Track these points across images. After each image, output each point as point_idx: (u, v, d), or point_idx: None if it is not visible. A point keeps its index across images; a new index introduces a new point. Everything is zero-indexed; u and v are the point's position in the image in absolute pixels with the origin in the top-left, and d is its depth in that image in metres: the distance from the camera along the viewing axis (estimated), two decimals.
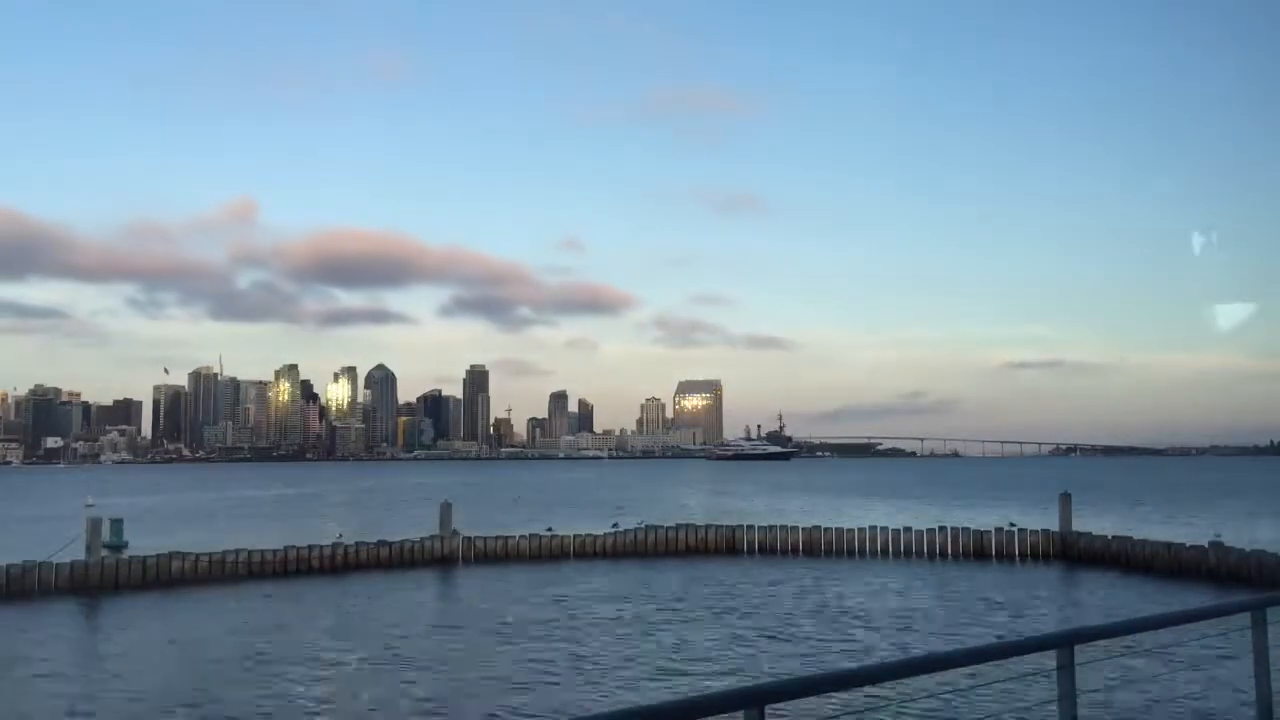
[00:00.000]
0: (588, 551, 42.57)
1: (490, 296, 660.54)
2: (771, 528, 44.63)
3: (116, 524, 35.63)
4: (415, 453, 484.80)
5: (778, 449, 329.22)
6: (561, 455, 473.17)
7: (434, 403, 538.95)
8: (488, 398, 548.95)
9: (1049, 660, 5.33)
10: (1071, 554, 39.63)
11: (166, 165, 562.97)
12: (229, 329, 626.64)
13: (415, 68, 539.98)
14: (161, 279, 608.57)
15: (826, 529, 44.08)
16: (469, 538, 41.84)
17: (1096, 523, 45.89)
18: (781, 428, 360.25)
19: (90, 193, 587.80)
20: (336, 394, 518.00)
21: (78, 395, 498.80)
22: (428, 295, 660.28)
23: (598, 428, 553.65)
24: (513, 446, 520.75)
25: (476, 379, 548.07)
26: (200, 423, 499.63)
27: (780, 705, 4.10)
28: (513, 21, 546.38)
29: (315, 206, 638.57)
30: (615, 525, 45.42)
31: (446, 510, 42.54)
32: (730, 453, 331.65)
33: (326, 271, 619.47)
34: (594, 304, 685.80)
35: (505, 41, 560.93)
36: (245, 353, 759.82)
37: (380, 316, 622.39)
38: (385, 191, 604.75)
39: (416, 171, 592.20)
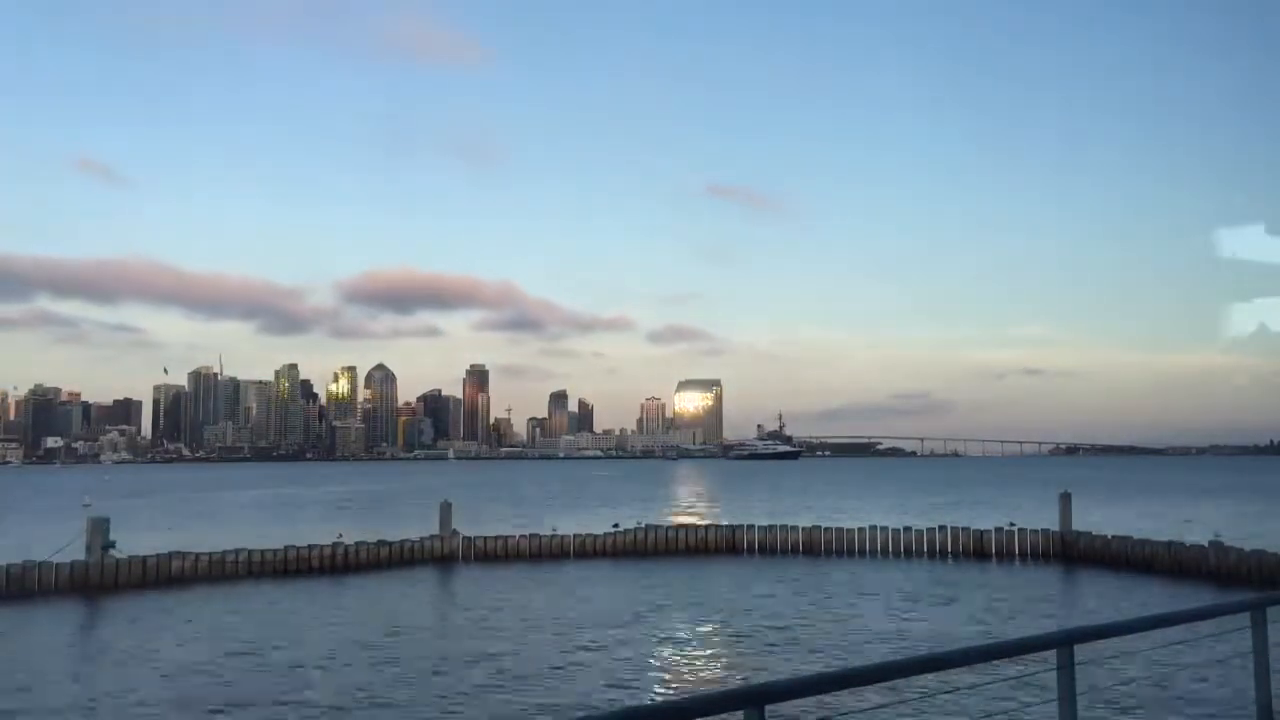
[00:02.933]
0: (588, 551, 42.55)
1: (517, 318, 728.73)
2: (771, 527, 44.62)
3: (103, 523, 35.56)
4: (415, 452, 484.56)
5: (787, 448, 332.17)
6: (561, 455, 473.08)
7: (434, 402, 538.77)
8: (488, 398, 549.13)
9: (1049, 660, 5.32)
10: (1071, 554, 39.61)
11: (293, 227, 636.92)
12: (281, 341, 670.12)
13: (493, 148, 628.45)
14: (235, 305, 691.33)
15: (826, 529, 44.06)
16: (469, 537, 41.84)
17: (1096, 521, 45.85)
18: (781, 427, 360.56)
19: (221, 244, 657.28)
20: (336, 394, 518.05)
21: (78, 395, 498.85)
22: (468, 316, 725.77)
23: (598, 427, 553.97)
24: (512, 446, 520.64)
25: (477, 379, 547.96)
26: (200, 423, 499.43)
27: (780, 705, 4.10)
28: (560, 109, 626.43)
29: (395, 249, 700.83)
30: (616, 525, 45.36)
31: (446, 510, 42.54)
32: (746, 452, 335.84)
33: (387, 299, 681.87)
34: (609, 325, 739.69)
35: (558, 126, 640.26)
36: (246, 353, 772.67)
37: (429, 332, 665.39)
38: (460, 242, 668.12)
39: (481, 226, 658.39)
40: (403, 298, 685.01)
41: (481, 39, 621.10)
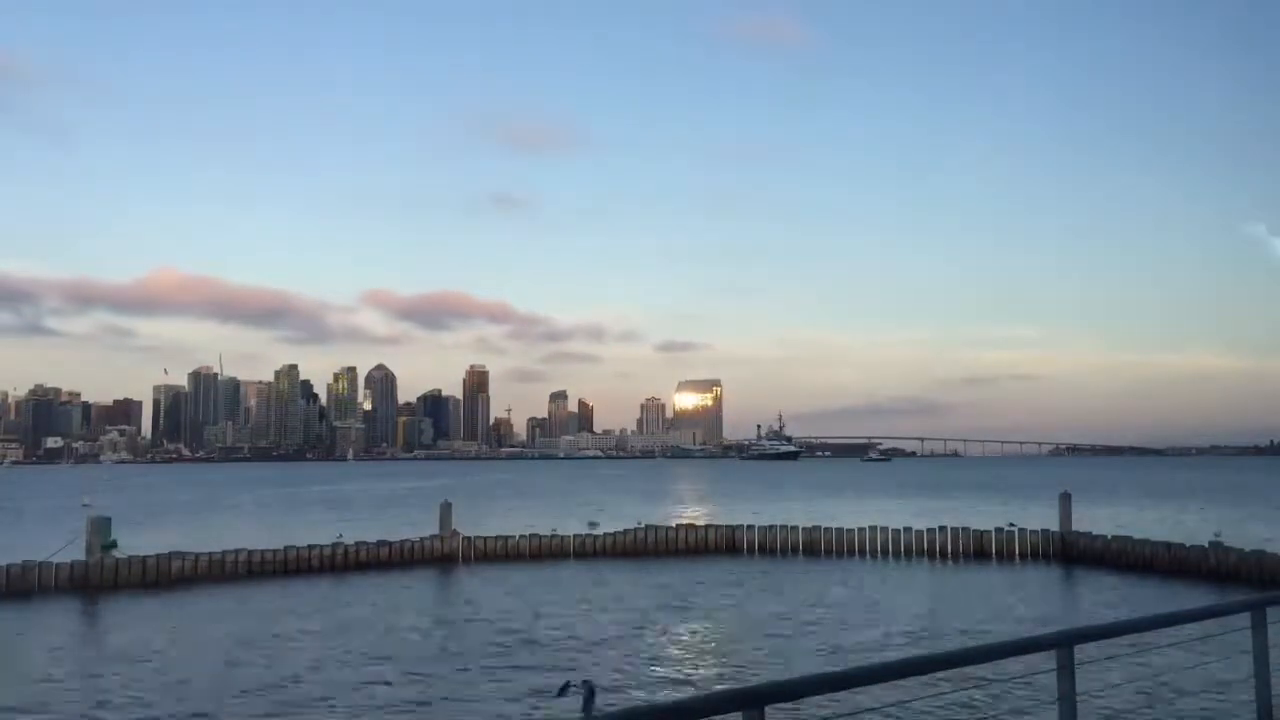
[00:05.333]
0: (588, 551, 42.55)
1: (524, 330, 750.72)
2: (771, 528, 44.59)
3: (104, 523, 35.60)
4: (415, 452, 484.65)
5: (791, 449, 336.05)
6: (561, 455, 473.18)
7: (434, 403, 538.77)
8: (488, 398, 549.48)
9: (1049, 660, 5.32)
10: (1071, 554, 39.57)
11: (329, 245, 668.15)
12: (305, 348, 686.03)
13: (533, 198, 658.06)
14: (272, 318, 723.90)
15: (826, 529, 44.01)
16: (469, 537, 41.85)
17: (1095, 520, 45.82)
18: (781, 427, 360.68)
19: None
20: (336, 393, 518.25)
21: (78, 395, 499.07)
22: (483, 328, 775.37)
23: (598, 427, 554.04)
24: (512, 446, 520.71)
25: (476, 379, 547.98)
26: (200, 423, 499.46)
27: (780, 705, 4.10)
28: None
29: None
30: (594, 524, 45.23)
31: (446, 510, 42.55)
32: (756, 453, 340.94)
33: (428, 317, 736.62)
34: (615, 336, 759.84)
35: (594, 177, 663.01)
36: (246, 353, 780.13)
37: (436, 340, 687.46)
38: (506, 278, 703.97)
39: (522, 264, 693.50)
40: (429, 315, 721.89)
41: (526, 96, 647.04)
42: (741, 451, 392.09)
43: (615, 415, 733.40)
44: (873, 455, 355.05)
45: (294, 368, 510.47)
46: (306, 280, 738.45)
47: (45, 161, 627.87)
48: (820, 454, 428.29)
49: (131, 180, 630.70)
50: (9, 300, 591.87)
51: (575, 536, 43.29)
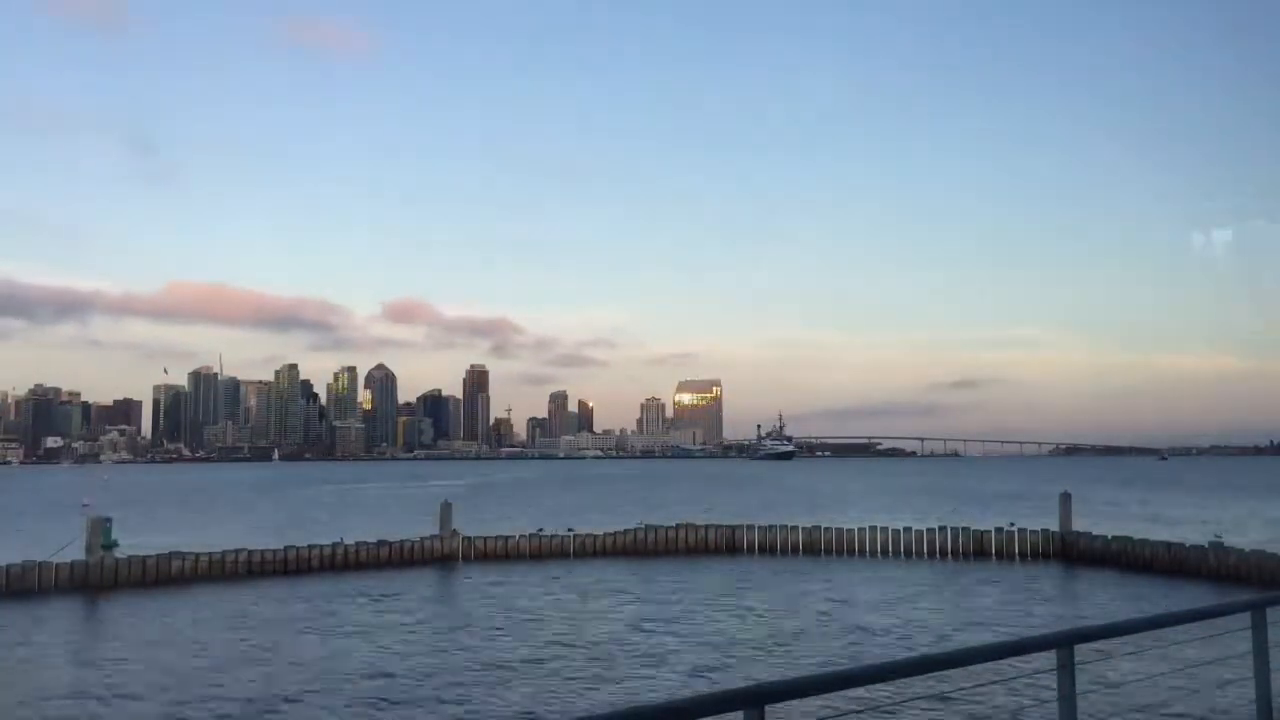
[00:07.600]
0: (587, 551, 42.58)
1: (538, 340, 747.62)
2: (771, 527, 44.61)
3: (105, 523, 35.61)
4: (415, 453, 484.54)
5: (791, 448, 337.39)
6: (561, 455, 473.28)
7: (434, 403, 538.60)
8: (488, 398, 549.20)
9: (1049, 660, 5.32)
10: (1071, 554, 39.61)
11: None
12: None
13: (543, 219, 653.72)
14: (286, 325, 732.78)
15: (826, 529, 44.05)
16: (469, 537, 41.86)
17: (1095, 520, 45.85)
18: (781, 427, 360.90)
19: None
20: (336, 392, 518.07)
21: (78, 395, 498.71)
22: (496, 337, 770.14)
23: (598, 428, 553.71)
24: (513, 446, 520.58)
25: (476, 379, 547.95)
26: (200, 423, 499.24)
27: (780, 705, 4.10)
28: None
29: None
30: (570, 530, 45.16)
31: (446, 510, 42.56)
32: (762, 453, 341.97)
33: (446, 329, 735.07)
34: (624, 342, 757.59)
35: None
36: (246, 353, 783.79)
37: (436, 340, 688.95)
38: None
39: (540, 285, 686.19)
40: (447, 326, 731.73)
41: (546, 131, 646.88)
42: (744, 451, 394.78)
43: (615, 415, 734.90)
44: (1164, 455, 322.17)
45: (294, 367, 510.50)
46: (325, 289, 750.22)
47: (59, 168, 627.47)
48: (820, 454, 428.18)
49: (157, 193, 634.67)
50: (69, 310, 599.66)
51: (574, 536, 43.30)
